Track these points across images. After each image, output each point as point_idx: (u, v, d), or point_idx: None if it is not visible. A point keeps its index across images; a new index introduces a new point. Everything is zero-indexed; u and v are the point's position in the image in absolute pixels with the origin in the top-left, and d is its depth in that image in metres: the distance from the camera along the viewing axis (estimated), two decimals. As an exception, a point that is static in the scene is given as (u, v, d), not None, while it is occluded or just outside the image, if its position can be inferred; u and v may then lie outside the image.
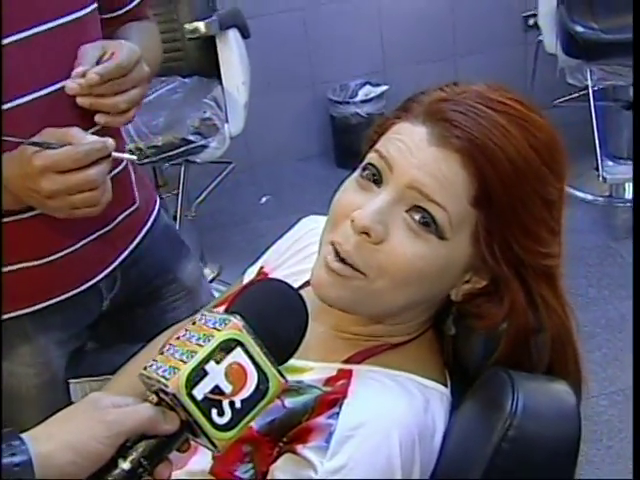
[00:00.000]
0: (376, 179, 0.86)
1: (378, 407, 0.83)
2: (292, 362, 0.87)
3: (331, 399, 0.84)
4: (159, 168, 2.84)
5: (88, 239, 1.22)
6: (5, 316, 1.21)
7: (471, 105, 0.83)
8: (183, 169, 2.76)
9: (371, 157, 0.87)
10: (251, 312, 0.77)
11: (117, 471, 0.71)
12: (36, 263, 1.18)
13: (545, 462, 0.77)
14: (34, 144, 1.00)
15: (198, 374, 0.72)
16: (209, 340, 0.73)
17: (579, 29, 2.95)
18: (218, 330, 0.74)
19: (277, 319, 0.80)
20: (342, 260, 0.84)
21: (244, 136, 2.86)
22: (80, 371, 1.31)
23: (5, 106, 1.05)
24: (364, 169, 0.87)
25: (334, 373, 0.88)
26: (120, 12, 1.28)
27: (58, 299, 1.23)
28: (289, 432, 0.84)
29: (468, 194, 0.82)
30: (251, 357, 0.74)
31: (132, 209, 1.31)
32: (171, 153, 2.49)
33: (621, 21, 2.78)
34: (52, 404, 1.22)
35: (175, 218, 2.72)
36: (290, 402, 0.86)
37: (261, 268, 1.12)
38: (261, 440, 0.86)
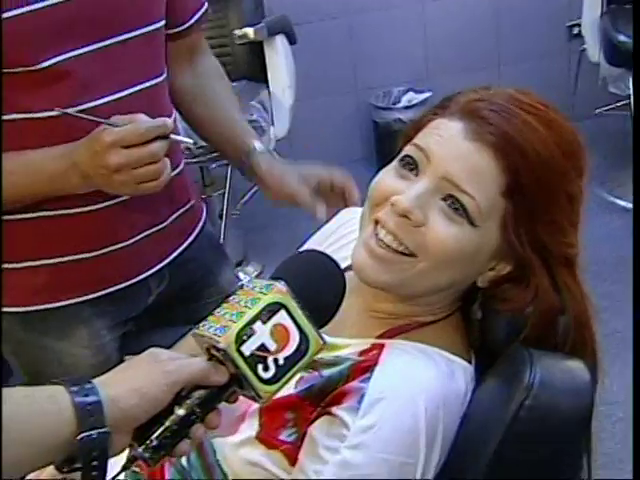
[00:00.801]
0: (412, 168, 0.93)
1: (406, 373, 0.90)
2: (330, 340, 0.95)
3: (364, 366, 0.91)
4: (206, 168, 2.93)
5: (142, 235, 1.30)
6: (65, 302, 1.29)
7: (504, 105, 0.91)
8: (229, 169, 2.83)
9: (409, 149, 0.95)
10: (294, 278, 0.84)
11: (173, 416, 0.79)
12: (91, 255, 1.27)
13: (558, 430, 0.83)
14: (103, 122, 1.11)
15: (246, 333, 0.79)
16: (256, 303, 0.81)
17: (622, 38, 2.97)
18: (264, 294, 0.82)
19: (317, 285, 0.87)
20: (386, 245, 0.92)
21: (289, 138, 2.93)
22: (135, 348, 1.38)
23: (81, 107, 1.15)
24: (402, 160, 0.95)
25: (368, 346, 0.95)
26: (181, 29, 1.37)
27: (110, 290, 1.31)
28: (327, 397, 0.92)
29: (499, 185, 0.89)
30: (293, 319, 0.81)
31: (186, 208, 1.39)
32: (218, 154, 2.57)
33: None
34: None
35: (221, 216, 2.79)
36: (327, 372, 0.94)
37: None
38: (302, 405, 0.93)
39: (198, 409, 0.80)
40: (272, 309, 0.81)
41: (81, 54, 1.14)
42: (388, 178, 0.95)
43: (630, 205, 3.24)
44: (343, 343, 0.97)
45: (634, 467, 1.24)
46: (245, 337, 0.79)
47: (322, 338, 0.83)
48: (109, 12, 1.16)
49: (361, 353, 0.94)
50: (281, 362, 0.80)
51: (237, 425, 0.98)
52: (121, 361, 1.38)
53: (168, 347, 1.25)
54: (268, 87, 2.74)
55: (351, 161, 3.68)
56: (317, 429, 0.90)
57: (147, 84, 1.23)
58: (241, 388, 0.82)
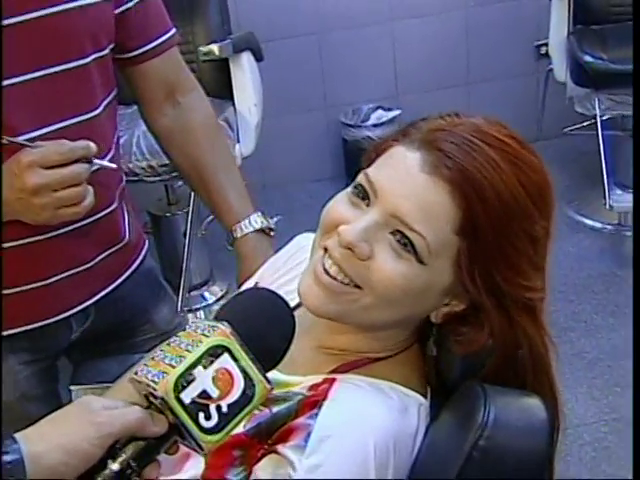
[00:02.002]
0: (364, 197, 0.90)
1: (356, 409, 0.86)
2: (283, 378, 0.92)
3: (313, 401, 0.88)
4: (171, 186, 2.90)
5: (63, 275, 1.24)
6: None
7: (466, 138, 0.87)
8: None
9: (361, 179, 0.91)
10: (239, 319, 0.80)
11: (106, 472, 0.73)
12: (7, 292, 1.21)
13: (514, 472, 0.80)
14: (22, 144, 1.06)
15: (186, 378, 0.75)
16: (197, 346, 0.76)
17: (588, 59, 2.98)
18: (206, 336, 0.77)
19: (264, 327, 0.83)
20: (332, 276, 0.88)
21: (257, 157, 2.91)
22: (83, 379, 1.34)
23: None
24: (354, 187, 0.91)
25: (319, 381, 0.91)
26: (135, 53, 1.31)
27: (26, 328, 1.25)
28: (274, 434, 0.88)
29: (453, 223, 0.85)
30: (238, 363, 0.77)
31: (118, 247, 1.33)
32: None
33: (630, 52, 2.80)
34: (26, 417, 1.27)
35: (185, 235, 2.76)
36: (276, 408, 0.90)
37: (256, 284, 1.16)
38: (250, 443, 0.89)
39: (134, 463, 0.75)
40: (215, 353, 0.76)
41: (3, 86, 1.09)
42: (340, 205, 0.92)
43: (598, 224, 3.25)
44: (295, 381, 0.93)
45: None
46: (185, 383, 0.75)
47: (269, 382, 0.79)
48: (33, 46, 1.11)
49: (311, 388, 0.91)
50: (225, 409, 0.76)
51: (181, 464, 0.94)
52: (58, 394, 1.34)
53: (116, 377, 1.22)
54: (234, 104, 2.72)
55: (320, 179, 3.69)
56: (262, 469, 0.86)
57: (76, 120, 1.17)
58: (182, 438, 0.78)
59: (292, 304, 1.04)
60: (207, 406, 0.75)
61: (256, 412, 0.90)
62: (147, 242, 1.46)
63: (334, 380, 0.90)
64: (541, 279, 0.91)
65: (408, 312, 0.91)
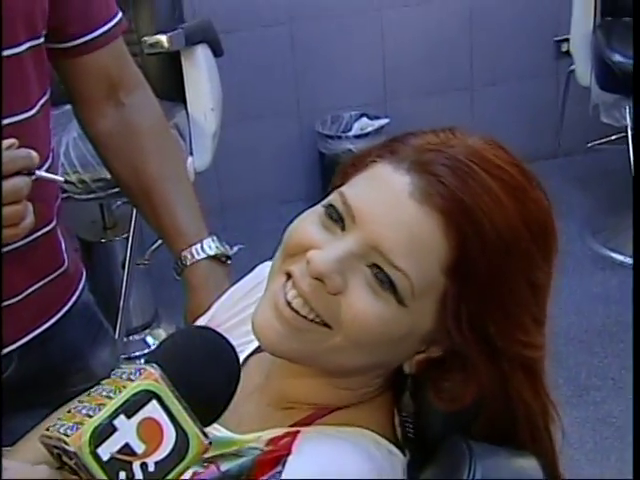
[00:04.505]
0: (337, 221, 0.92)
1: (328, 462, 0.88)
2: (235, 437, 0.94)
3: (273, 457, 0.90)
4: (107, 206, 2.92)
5: None
6: None
7: (464, 162, 0.89)
8: (137, 211, 2.83)
9: (335, 199, 0.93)
10: (172, 361, 0.81)
11: None
12: None
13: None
14: None
15: (105, 430, 0.75)
16: (121, 392, 0.77)
17: (618, 58, 3.04)
18: (132, 381, 0.78)
19: (203, 370, 0.84)
20: (295, 311, 0.91)
21: (214, 172, 2.95)
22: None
23: None
24: (327, 208, 0.93)
25: (279, 434, 0.93)
26: (79, 41, 1.34)
27: None
28: None
29: (442, 261, 0.88)
30: (169, 412, 0.77)
31: (53, 277, 1.34)
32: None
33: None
34: None
35: (124, 266, 2.77)
36: (225, 466, 0.92)
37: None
38: None
39: None
40: (140, 400, 0.77)
41: None
42: (309, 225, 0.94)
43: (628, 260, 3.28)
44: (250, 438, 0.95)
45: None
46: (103, 436, 0.75)
47: (206, 436, 0.80)
48: None
49: (269, 442, 0.93)
50: (151, 468, 0.77)
51: None
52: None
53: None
54: (186, 108, 2.75)
55: (291, 200, 3.70)
56: None
57: (7, 121, 1.19)
58: None
59: (252, 347, 1.07)
60: (130, 464, 0.76)
61: (200, 470, 0.92)
62: (84, 273, 1.47)
63: (297, 432, 0.92)
64: (541, 334, 0.93)
65: (381, 359, 0.93)
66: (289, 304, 0.91)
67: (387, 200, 0.90)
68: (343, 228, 0.92)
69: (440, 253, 0.88)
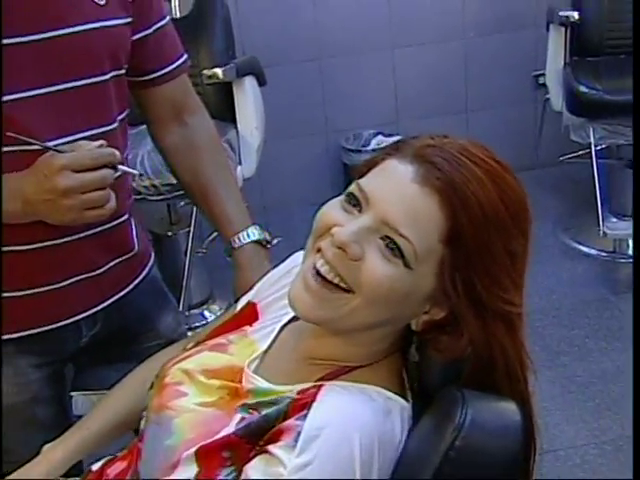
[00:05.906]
0: (355, 205, 0.95)
1: (343, 410, 0.90)
2: (273, 387, 0.97)
3: (302, 403, 0.92)
4: (173, 205, 2.95)
5: (73, 279, 1.29)
6: None
7: (455, 155, 0.92)
8: (196, 207, 2.84)
9: (353, 188, 0.96)
10: None
11: None
12: (18, 294, 1.25)
13: (488, 470, 0.84)
14: (48, 149, 1.12)
15: None
16: None
17: (583, 89, 3.04)
18: None
19: None
20: (322, 278, 0.93)
21: (257, 179, 2.95)
22: (83, 385, 1.38)
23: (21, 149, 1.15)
24: (347, 196, 0.96)
25: (307, 386, 0.96)
26: (153, 76, 1.38)
27: (37, 330, 1.29)
28: (264, 435, 0.92)
29: (439, 231, 0.90)
30: None
31: (127, 257, 1.38)
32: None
33: (623, 83, 2.86)
34: (34, 419, 1.32)
35: (186, 254, 2.80)
36: (265, 410, 0.95)
37: (249, 302, 1.20)
38: (239, 443, 0.93)
39: None
40: None
41: (23, 98, 1.15)
42: (333, 210, 0.96)
43: (592, 251, 3.29)
44: (284, 389, 0.98)
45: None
46: None
47: None
48: (59, 59, 1.17)
49: (299, 392, 0.95)
50: None
51: (168, 472, 0.97)
52: (64, 399, 1.38)
53: (110, 386, 1.26)
54: (236, 127, 2.77)
55: (320, 203, 3.69)
56: (253, 468, 0.90)
57: (93, 132, 1.23)
58: None
59: (287, 318, 1.09)
60: None
61: (246, 415, 0.95)
62: (153, 255, 1.51)
63: (322, 385, 0.95)
64: (519, 296, 0.95)
65: (391, 314, 0.95)
66: (318, 272, 0.93)
67: (394, 184, 0.92)
68: (360, 210, 0.94)
69: (436, 225, 0.90)
